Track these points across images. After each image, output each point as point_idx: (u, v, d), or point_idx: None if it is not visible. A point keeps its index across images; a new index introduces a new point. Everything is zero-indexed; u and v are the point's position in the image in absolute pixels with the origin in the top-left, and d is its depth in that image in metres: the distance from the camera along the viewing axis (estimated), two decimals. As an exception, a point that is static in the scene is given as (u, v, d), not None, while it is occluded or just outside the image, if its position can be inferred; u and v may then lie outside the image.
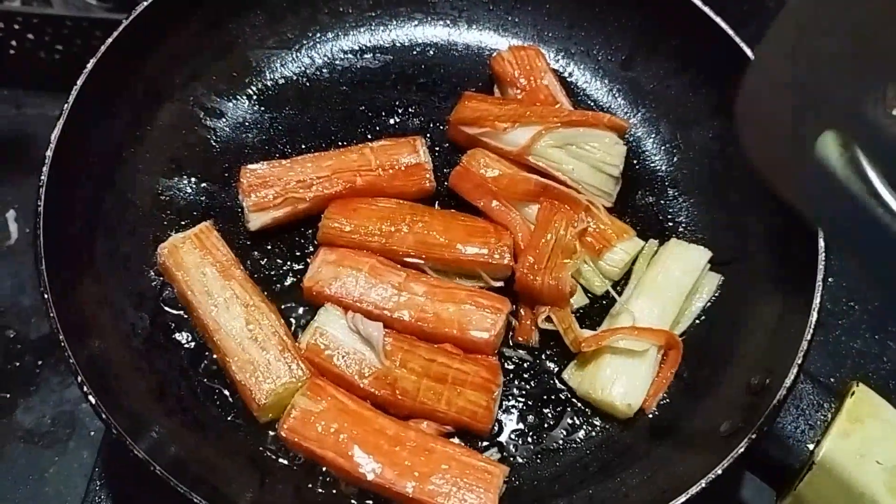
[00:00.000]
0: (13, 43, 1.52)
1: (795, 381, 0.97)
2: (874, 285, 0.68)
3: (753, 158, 0.69)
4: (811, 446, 0.98)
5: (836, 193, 0.64)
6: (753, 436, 0.94)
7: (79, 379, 0.95)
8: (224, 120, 1.32)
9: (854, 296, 1.42)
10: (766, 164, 0.69)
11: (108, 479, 1.20)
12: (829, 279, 1.05)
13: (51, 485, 1.26)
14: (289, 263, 1.22)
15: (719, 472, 0.93)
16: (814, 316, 1.01)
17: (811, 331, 1.00)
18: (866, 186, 0.63)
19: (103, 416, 0.93)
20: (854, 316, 1.41)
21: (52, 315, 0.98)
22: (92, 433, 1.30)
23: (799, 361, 0.98)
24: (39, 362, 1.35)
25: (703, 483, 0.93)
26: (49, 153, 1.08)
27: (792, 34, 0.63)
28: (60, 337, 0.97)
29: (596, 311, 1.21)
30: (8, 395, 1.33)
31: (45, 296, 0.99)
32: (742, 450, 0.94)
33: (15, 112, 1.60)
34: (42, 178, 1.06)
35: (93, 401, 0.94)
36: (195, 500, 0.89)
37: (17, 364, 1.35)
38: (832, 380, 1.08)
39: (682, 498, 0.92)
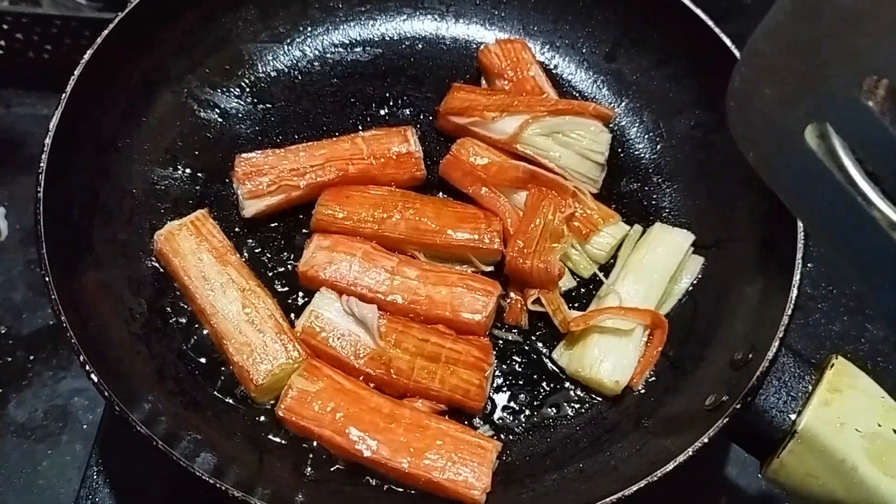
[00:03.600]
0: (1, 42, 1.52)
1: (777, 353, 1.00)
2: (850, 273, 0.70)
3: (742, 147, 0.70)
4: (793, 416, 1.01)
5: (819, 181, 0.66)
6: (738, 406, 0.98)
7: (81, 358, 0.96)
8: (218, 111, 1.34)
9: (833, 280, 1.46)
10: (754, 153, 0.70)
11: (104, 467, 1.21)
12: (809, 264, 1.09)
13: (44, 478, 1.27)
14: (283, 250, 1.24)
15: (706, 440, 0.96)
16: (794, 292, 1.04)
17: (791, 306, 1.03)
18: (843, 173, 0.66)
19: (105, 393, 0.94)
20: (833, 299, 1.44)
21: (53, 297, 0.99)
22: (84, 426, 1.31)
23: (780, 335, 1.01)
24: (31, 357, 1.36)
25: (690, 451, 0.95)
26: (48, 141, 1.09)
27: (781, 27, 0.64)
28: (62, 318, 0.98)
29: (583, 294, 1.24)
30: (0, 391, 1.33)
31: (47, 279, 1.00)
32: (728, 420, 0.97)
33: (4, 111, 1.61)
34: (41, 164, 1.08)
35: (95, 378, 0.95)
36: (197, 474, 0.91)
37: (9, 359, 1.36)
38: (813, 360, 1.12)
39: (671, 465, 0.95)
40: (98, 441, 1.24)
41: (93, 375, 0.95)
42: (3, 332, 1.38)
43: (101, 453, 1.22)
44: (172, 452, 0.92)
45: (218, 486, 0.92)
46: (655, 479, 0.94)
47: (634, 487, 0.94)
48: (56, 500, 1.26)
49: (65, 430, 1.31)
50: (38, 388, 1.34)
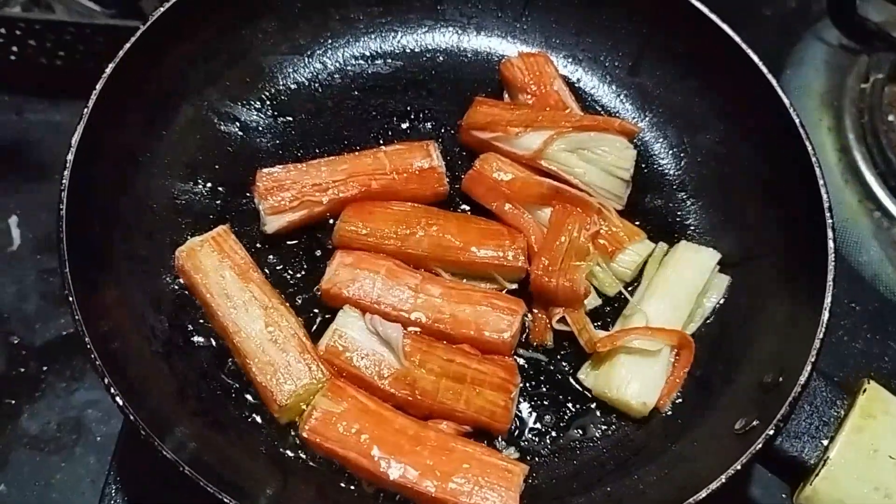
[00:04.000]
0: (14, 49, 1.51)
1: (809, 378, 0.99)
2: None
3: None
4: (825, 442, 1.00)
5: None
6: (771, 432, 0.96)
7: (106, 381, 0.95)
8: (238, 125, 1.32)
9: (855, 297, 1.45)
10: None
11: (122, 484, 1.20)
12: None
13: (58, 491, 1.26)
14: (304, 266, 1.23)
15: (738, 467, 0.95)
16: (825, 315, 1.03)
17: (823, 329, 1.02)
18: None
19: (131, 416, 0.93)
20: (855, 317, 1.43)
21: (77, 318, 0.98)
22: (98, 438, 1.30)
23: (812, 360, 1.00)
24: (44, 368, 1.35)
25: (723, 479, 0.94)
26: (70, 157, 1.08)
27: None
28: (86, 339, 0.97)
29: (608, 312, 1.22)
30: (13, 402, 1.32)
31: (70, 298, 0.99)
32: (760, 446, 0.96)
33: (16, 118, 1.59)
34: (63, 182, 1.06)
35: (120, 402, 0.94)
36: (224, 500, 0.90)
37: (22, 370, 1.35)
38: (836, 379, 1.11)
39: (703, 493, 0.93)
40: (116, 456, 1.22)
41: (118, 399, 0.94)
42: (15, 342, 1.37)
43: (120, 470, 1.21)
44: (199, 477, 0.90)
45: (243, 509, 0.91)
46: (689, 506, 0.93)
47: (667, 514, 0.93)
48: (70, 513, 1.24)
49: (78, 443, 1.30)
50: (52, 399, 1.33)
